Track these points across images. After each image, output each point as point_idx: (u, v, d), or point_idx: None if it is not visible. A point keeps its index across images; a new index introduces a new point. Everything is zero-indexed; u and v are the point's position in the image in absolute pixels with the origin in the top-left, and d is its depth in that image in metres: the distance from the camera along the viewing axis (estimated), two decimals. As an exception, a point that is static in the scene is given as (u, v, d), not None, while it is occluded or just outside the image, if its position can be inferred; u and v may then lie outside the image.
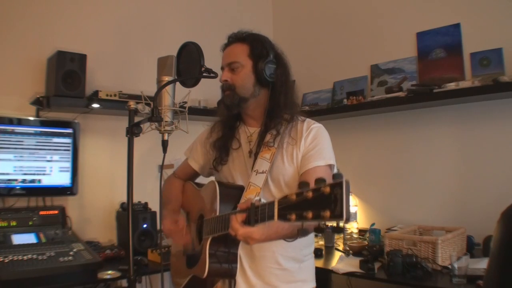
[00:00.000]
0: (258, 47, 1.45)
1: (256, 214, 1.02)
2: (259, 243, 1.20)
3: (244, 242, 1.14)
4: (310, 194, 0.83)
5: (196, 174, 1.68)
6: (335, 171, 1.45)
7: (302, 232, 0.89)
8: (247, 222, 1.07)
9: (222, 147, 1.50)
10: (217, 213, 1.30)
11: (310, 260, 1.51)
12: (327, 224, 0.82)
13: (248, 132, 1.51)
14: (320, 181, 0.83)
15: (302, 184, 0.87)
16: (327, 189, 0.80)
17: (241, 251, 1.41)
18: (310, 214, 0.82)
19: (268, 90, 1.47)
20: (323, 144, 1.42)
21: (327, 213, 0.79)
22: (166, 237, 1.56)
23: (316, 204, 0.82)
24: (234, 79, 1.44)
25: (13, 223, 2.10)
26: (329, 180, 0.81)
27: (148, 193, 2.50)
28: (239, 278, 1.41)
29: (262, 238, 1.12)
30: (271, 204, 0.96)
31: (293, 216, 0.86)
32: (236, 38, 1.50)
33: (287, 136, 1.43)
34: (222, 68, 1.49)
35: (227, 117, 1.53)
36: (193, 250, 1.48)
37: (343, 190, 0.77)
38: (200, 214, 1.47)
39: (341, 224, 0.80)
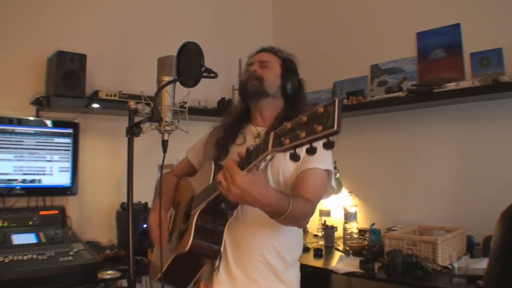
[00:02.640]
0: (289, 63, 1.55)
1: (250, 157, 1.02)
2: (241, 199, 1.12)
3: (226, 189, 1.07)
4: (304, 118, 0.85)
5: (193, 171, 1.68)
6: (333, 181, 1.46)
7: (294, 157, 0.89)
8: (240, 167, 1.06)
9: (222, 146, 1.51)
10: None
11: (296, 267, 1.51)
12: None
13: (255, 131, 1.52)
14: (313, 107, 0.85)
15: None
16: (321, 109, 0.82)
17: (227, 239, 1.40)
18: (303, 133, 0.84)
19: (284, 100, 1.53)
20: (325, 152, 1.43)
21: (320, 127, 0.80)
22: (149, 229, 1.54)
23: (309, 123, 0.83)
24: (263, 73, 1.51)
25: (13, 223, 2.10)
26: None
27: (148, 193, 2.49)
28: (221, 267, 1.40)
29: (243, 186, 1.05)
30: (267, 137, 0.95)
31: (287, 140, 0.87)
32: (270, 50, 1.58)
33: None
34: (250, 64, 1.55)
35: (233, 119, 1.56)
36: (177, 233, 1.46)
37: (336, 106, 0.79)
38: (192, 196, 1.46)
39: (331, 138, 0.81)
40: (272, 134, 0.93)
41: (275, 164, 1.42)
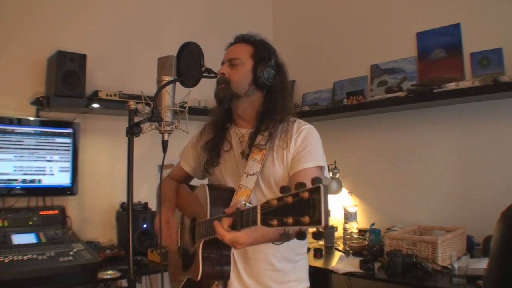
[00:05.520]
0: (262, 50, 1.47)
1: (242, 219, 1.03)
2: (248, 246, 1.21)
3: (232, 246, 1.14)
4: (290, 199, 0.84)
5: (189, 177, 1.69)
6: (326, 173, 1.45)
7: (284, 237, 0.89)
8: (234, 227, 1.08)
9: (212, 149, 1.50)
10: (208, 217, 1.31)
11: (303, 261, 1.51)
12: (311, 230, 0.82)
13: (239, 133, 1.51)
14: (299, 185, 0.83)
15: (284, 189, 0.87)
16: (306, 194, 0.81)
17: (235, 253, 1.41)
18: (290, 220, 0.83)
19: (262, 93, 1.47)
20: (313, 146, 1.42)
21: (306, 219, 0.79)
22: (156, 233, 1.57)
23: (296, 209, 0.82)
24: (231, 74, 1.45)
25: (13, 223, 2.10)
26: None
27: (148, 193, 2.50)
28: (233, 279, 1.41)
29: (248, 242, 1.14)
30: (254, 209, 0.96)
31: (275, 222, 0.87)
32: (242, 39, 1.51)
33: (278, 138, 1.43)
34: (223, 63, 1.50)
35: (218, 118, 1.54)
36: (187, 252, 1.48)
37: (321, 195, 0.78)
38: (193, 217, 1.48)
39: (320, 229, 0.80)
40: (259, 208, 0.93)
41: (265, 172, 1.41)
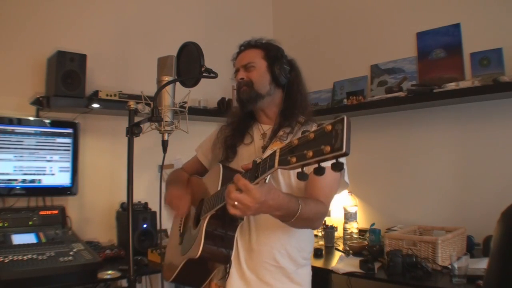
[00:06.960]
0: (272, 50, 1.50)
1: (257, 170, 1.00)
2: (257, 205, 1.12)
3: (242, 205, 1.05)
4: (311, 135, 0.82)
5: (203, 170, 1.67)
6: (346, 177, 1.46)
7: (301, 176, 0.86)
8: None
9: (230, 147, 1.50)
10: (218, 188, 1.29)
11: (307, 267, 1.50)
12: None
13: (261, 130, 1.51)
14: (321, 124, 0.83)
15: (305, 131, 0.86)
16: (329, 127, 0.79)
17: (240, 244, 1.40)
18: (310, 153, 0.81)
19: (282, 91, 1.50)
20: None
21: (328, 148, 0.77)
22: (165, 205, 1.52)
23: (317, 142, 0.80)
24: (250, 76, 1.47)
25: (13, 223, 2.10)
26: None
27: (148, 193, 2.50)
28: (234, 272, 1.40)
29: (260, 198, 1.04)
30: (273, 154, 0.94)
31: (294, 159, 0.85)
32: (248, 45, 1.54)
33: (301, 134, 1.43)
34: (237, 71, 1.52)
35: (238, 119, 1.55)
36: (189, 237, 1.46)
37: (344, 125, 0.76)
38: (202, 199, 1.46)
39: (340, 159, 0.78)
40: (278, 150, 0.92)
41: None
